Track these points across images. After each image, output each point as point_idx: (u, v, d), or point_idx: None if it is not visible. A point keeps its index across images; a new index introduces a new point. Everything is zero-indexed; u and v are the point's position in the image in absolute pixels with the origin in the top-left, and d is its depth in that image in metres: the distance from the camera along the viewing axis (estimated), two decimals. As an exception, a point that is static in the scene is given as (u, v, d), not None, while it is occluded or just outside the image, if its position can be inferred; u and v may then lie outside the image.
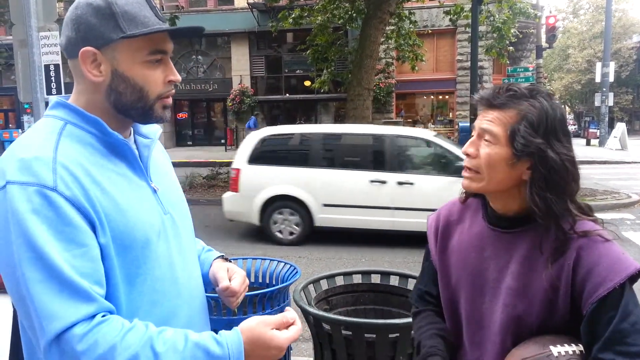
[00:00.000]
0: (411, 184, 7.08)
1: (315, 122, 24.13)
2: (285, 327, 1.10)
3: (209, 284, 1.39)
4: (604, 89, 25.10)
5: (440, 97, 25.38)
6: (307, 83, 24.02)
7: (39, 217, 0.96)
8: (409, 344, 2.36)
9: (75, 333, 0.95)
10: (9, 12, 5.85)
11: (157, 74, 1.14)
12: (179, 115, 27.44)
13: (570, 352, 1.13)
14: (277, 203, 7.55)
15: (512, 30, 14.00)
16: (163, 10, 22.12)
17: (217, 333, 1.05)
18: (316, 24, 14.59)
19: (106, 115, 1.14)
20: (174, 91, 1.19)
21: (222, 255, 1.45)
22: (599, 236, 1.16)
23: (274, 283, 2.93)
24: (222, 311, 2.65)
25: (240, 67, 25.76)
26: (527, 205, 1.20)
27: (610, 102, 26.25)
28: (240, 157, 7.73)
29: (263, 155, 7.72)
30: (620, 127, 23.55)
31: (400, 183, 7.12)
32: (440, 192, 6.74)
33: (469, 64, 13.65)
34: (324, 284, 2.91)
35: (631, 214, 9.54)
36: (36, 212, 0.97)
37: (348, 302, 2.92)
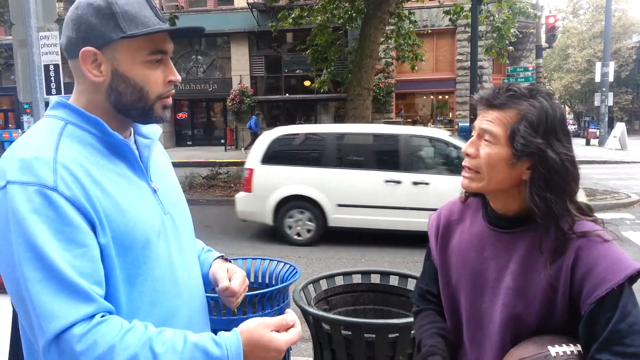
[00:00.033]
0: (427, 184, 7.05)
1: (315, 122, 24.12)
2: (285, 329, 1.10)
3: (209, 284, 1.39)
4: (604, 89, 25.10)
5: (440, 97, 25.38)
6: (307, 83, 24.03)
7: (39, 217, 0.97)
8: (409, 344, 2.36)
9: (74, 333, 0.95)
10: (9, 12, 5.85)
11: (157, 74, 1.14)
12: (178, 115, 27.44)
13: (569, 353, 1.13)
14: (291, 203, 7.51)
15: (511, 30, 14.01)
16: (163, 10, 22.12)
17: (216, 333, 1.05)
18: (316, 24, 14.60)
19: (106, 116, 1.14)
20: (174, 91, 1.19)
21: (222, 256, 1.45)
22: (598, 237, 1.16)
23: (273, 283, 2.93)
24: (221, 311, 2.65)
25: (240, 67, 25.77)
26: (526, 205, 1.20)
27: (610, 102, 26.25)
28: (253, 157, 7.67)
29: (276, 155, 7.68)
30: (620, 127, 23.55)
31: (415, 183, 7.07)
32: (456, 192, 6.61)
33: (468, 63, 13.66)
34: (324, 284, 2.91)
35: (631, 213, 9.54)
36: (36, 212, 0.97)
37: (348, 302, 2.92)
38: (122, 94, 1.12)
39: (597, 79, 26.00)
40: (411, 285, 2.76)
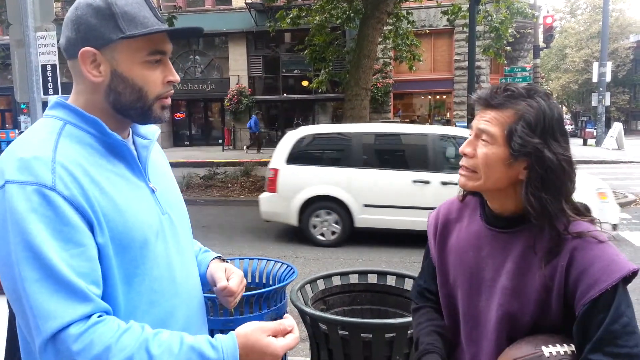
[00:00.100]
0: (455, 184, 6.97)
1: (313, 122, 24.11)
2: (283, 334, 1.10)
3: (206, 284, 1.39)
4: (601, 89, 25.13)
5: (438, 97, 25.40)
6: (305, 83, 24.03)
7: (37, 216, 0.97)
8: (406, 344, 2.37)
9: (70, 333, 0.95)
10: (6, 11, 5.83)
11: (156, 74, 1.14)
12: (176, 116, 27.41)
13: (562, 353, 1.14)
14: (317, 204, 7.43)
15: (509, 30, 14.05)
16: (161, 10, 22.04)
17: (213, 334, 1.05)
18: (314, 24, 14.59)
19: (105, 116, 1.14)
20: (172, 92, 1.20)
21: (219, 256, 1.46)
22: (593, 237, 1.16)
23: (270, 283, 2.93)
24: (218, 312, 2.65)
25: (238, 67, 25.75)
26: (523, 205, 1.20)
27: (607, 102, 26.30)
28: (278, 157, 7.58)
29: (302, 155, 7.60)
30: (617, 127, 23.59)
31: (444, 183, 6.97)
32: None
33: (466, 63, 13.69)
34: (321, 284, 2.91)
35: (627, 213, 9.56)
36: (34, 211, 0.97)
37: (345, 302, 2.93)
38: (121, 94, 1.12)
39: (595, 79, 26.02)
40: (408, 285, 2.76)
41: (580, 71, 44.56)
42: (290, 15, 14.14)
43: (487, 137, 1.22)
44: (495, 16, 13.77)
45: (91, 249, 1.02)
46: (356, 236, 7.51)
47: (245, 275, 2.72)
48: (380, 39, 13.38)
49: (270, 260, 3.06)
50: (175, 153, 22.16)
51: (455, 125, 20.06)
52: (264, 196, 7.76)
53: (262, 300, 2.61)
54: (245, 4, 24.04)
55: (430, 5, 18.62)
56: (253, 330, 1.07)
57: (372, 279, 2.96)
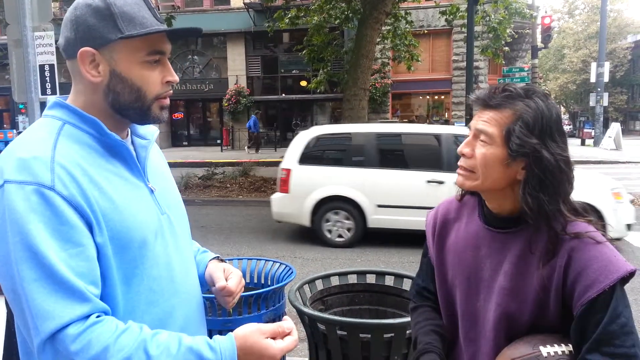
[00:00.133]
0: None
1: (312, 123, 24.12)
2: (282, 336, 1.10)
3: (204, 285, 1.39)
4: (599, 89, 25.16)
5: (436, 97, 25.44)
6: (304, 83, 24.01)
7: (36, 216, 0.97)
8: (404, 344, 2.37)
9: (69, 333, 0.95)
10: (4, 11, 5.83)
11: (155, 74, 1.15)
12: (174, 116, 27.39)
13: (560, 353, 1.14)
14: (329, 204, 7.36)
15: (507, 31, 14.09)
16: (159, 10, 22.04)
17: (212, 334, 1.06)
18: (312, 24, 14.60)
19: (104, 116, 1.14)
20: (171, 92, 1.20)
21: (218, 257, 1.46)
22: (590, 238, 1.16)
23: (269, 283, 2.93)
24: (217, 312, 2.64)
25: (236, 67, 25.74)
26: (520, 205, 1.20)
27: (605, 102, 26.33)
28: (290, 157, 7.53)
29: (314, 155, 7.56)
30: (615, 127, 23.61)
31: None
32: None
33: (464, 64, 13.68)
34: (319, 284, 2.91)
35: (626, 213, 9.55)
36: (33, 211, 0.97)
37: (343, 302, 2.93)
38: (119, 94, 1.12)
39: (593, 79, 26.04)
40: (406, 285, 2.76)
41: (578, 71, 44.65)
42: (289, 16, 14.16)
43: (485, 138, 1.22)
44: (493, 16, 13.80)
45: (90, 249, 1.02)
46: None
47: (244, 276, 2.72)
48: (378, 39, 13.40)
49: (269, 261, 3.06)
50: (174, 153, 22.15)
51: (454, 125, 20.10)
52: (276, 197, 7.69)
53: (261, 300, 2.61)
54: (244, 4, 24.03)
55: (429, 6, 18.66)
56: (252, 332, 1.07)
57: (371, 279, 2.96)
